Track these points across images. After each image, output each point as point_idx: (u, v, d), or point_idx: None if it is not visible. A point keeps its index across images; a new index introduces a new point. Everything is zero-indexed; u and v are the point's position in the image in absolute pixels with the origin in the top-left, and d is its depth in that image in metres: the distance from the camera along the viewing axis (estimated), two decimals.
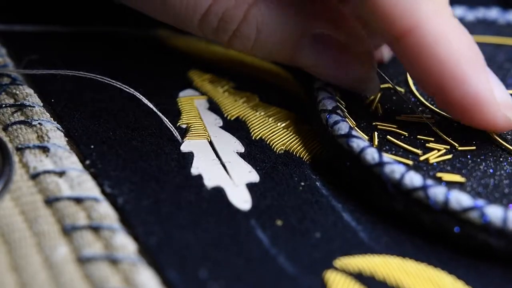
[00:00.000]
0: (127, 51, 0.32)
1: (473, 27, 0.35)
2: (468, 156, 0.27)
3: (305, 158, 0.28)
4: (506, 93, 0.27)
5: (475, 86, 0.26)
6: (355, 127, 0.28)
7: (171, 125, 0.27)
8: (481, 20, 0.36)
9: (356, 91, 0.29)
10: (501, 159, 0.27)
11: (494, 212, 0.24)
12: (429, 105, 0.30)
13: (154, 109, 0.27)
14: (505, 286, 0.24)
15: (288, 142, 0.29)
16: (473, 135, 0.28)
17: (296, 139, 0.29)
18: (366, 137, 0.27)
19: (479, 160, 0.27)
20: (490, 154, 0.28)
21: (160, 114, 0.27)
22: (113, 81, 0.27)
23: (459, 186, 0.26)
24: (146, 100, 0.27)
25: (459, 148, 0.28)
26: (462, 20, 0.36)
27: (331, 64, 0.28)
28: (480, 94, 0.26)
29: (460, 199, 0.24)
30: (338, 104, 0.29)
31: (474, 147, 0.28)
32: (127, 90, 0.27)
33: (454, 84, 0.26)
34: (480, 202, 0.24)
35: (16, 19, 0.32)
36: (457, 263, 0.24)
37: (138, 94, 0.27)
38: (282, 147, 0.29)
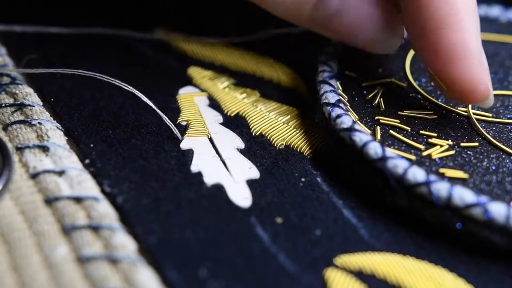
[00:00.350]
0: (127, 50, 0.32)
1: None
2: (471, 153, 0.27)
3: (306, 153, 0.28)
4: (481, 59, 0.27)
5: (472, 38, 0.26)
6: (358, 121, 0.28)
7: (171, 123, 0.27)
8: (483, 17, 0.35)
9: (372, 48, 0.29)
10: (503, 156, 0.27)
11: (497, 209, 0.24)
12: (431, 98, 0.30)
13: (153, 106, 0.27)
14: (506, 283, 0.24)
15: (289, 137, 0.29)
16: (475, 132, 0.28)
17: (297, 134, 0.29)
18: (369, 131, 0.27)
19: (481, 156, 0.27)
20: (492, 150, 0.27)
21: (160, 112, 0.27)
22: (112, 79, 0.27)
23: (462, 182, 0.26)
24: (145, 98, 0.27)
25: (462, 144, 0.27)
26: None
27: (355, 8, 0.27)
28: (474, 47, 0.26)
29: (463, 195, 0.24)
30: (341, 97, 0.28)
31: (476, 143, 0.28)
32: (126, 88, 0.27)
33: (456, 27, 0.26)
34: (483, 198, 0.24)
35: (16, 18, 0.32)
36: (458, 261, 0.24)
37: (137, 92, 0.27)
38: (282, 143, 0.28)
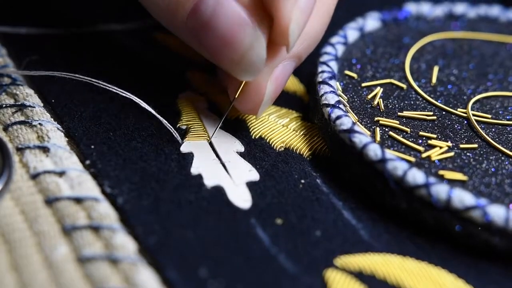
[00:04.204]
0: (127, 52, 0.32)
1: (475, 24, 0.35)
2: (470, 154, 0.27)
3: (306, 155, 0.28)
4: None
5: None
6: (357, 122, 0.28)
7: (171, 127, 0.27)
8: (482, 17, 0.35)
9: (238, 67, 0.27)
10: (502, 158, 0.27)
11: (496, 212, 0.24)
12: (431, 99, 0.30)
13: (153, 112, 0.27)
14: (505, 284, 0.24)
15: (288, 140, 0.29)
16: (475, 134, 0.28)
17: (296, 136, 0.29)
18: (368, 133, 0.27)
19: (481, 158, 0.27)
20: (491, 152, 0.27)
21: (159, 117, 0.27)
22: (109, 85, 0.27)
23: (461, 184, 0.26)
24: (144, 104, 0.27)
25: (461, 146, 0.27)
26: (463, 17, 0.35)
27: (228, 16, 0.26)
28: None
29: (463, 198, 0.24)
30: (341, 98, 0.28)
31: (476, 145, 0.28)
32: (124, 94, 0.27)
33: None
34: (482, 201, 0.24)
35: (16, 20, 0.32)
36: (457, 261, 0.24)
37: (136, 98, 0.27)
38: (282, 145, 0.28)
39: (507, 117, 0.29)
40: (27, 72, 0.28)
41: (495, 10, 0.36)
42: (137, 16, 0.33)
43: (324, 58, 0.31)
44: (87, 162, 0.26)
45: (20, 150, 0.26)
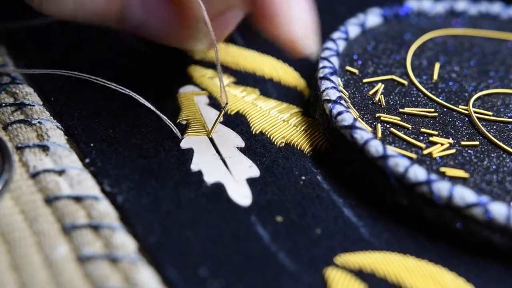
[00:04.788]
0: (127, 49, 0.32)
1: (476, 21, 0.35)
2: (471, 152, 0.27)
3: (306, 151, 0.28)
4: (308, 20, 0.26)
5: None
6: (359, 118, 0.28)
7: (171, 123, 0.27)
8: (484, 14, 0.35)
9: (186, 49, 0.28)
10: (504, 155, 0.27)
11: (498, 209, 0.24)
12: (432, 96, 0.29)
13: (152, 108, 0.27)
14: (505, 283, 0.24)
15: (289, 135, 0.29)
16: (476, 131, 0.28)
17: (297, 131, 0.29)
18: (370, 129, 0.27)
19: (482, 155, 0.27)
20: (493, 149, 0.27)
21: (159, 113, 0.27)
22: (108, 82, 0.27)
23: (463, 181, 0.26)
24: (143, 100, 0.27)
25: (462, 143, 0.27)
26: (464, 14, 0.35)
27: (159, 18, 0.27)
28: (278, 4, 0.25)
29: (464, 195, 0.24)
30: (342, 94, 0.28)
31: (477, 142, 0.27)
32: (122, 91, 0.27)
33: None
34: (484, 198, 0.24)
35: (15, 18, 0.32)
36: (458, 260, 0.24)
37: (135, 94, 0.27)
38: (282, 141, 0.28)
39: (509, 115, 0.29)
40: (26, 70, 0.28)
41: (496, 7, 0.35)
42: None
43: (325, 53, 0.30)
44: (87, 160, 0.26)
45: (19, 149, 0.26)
